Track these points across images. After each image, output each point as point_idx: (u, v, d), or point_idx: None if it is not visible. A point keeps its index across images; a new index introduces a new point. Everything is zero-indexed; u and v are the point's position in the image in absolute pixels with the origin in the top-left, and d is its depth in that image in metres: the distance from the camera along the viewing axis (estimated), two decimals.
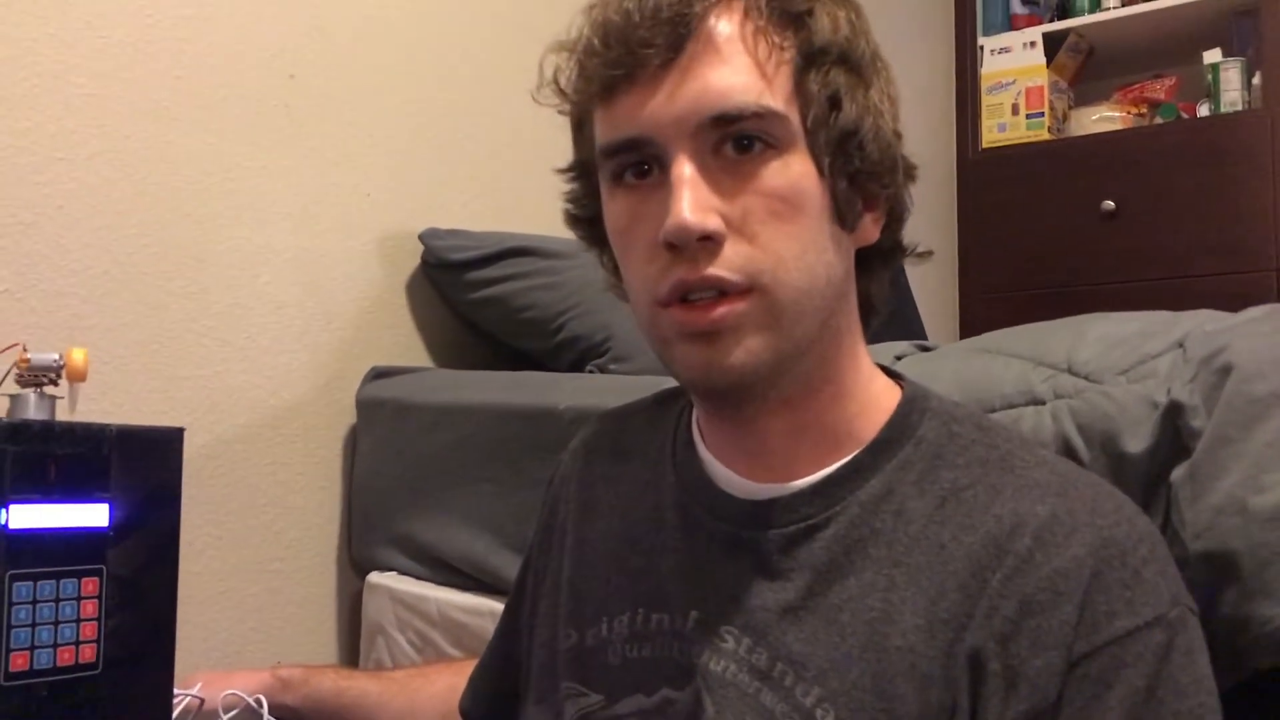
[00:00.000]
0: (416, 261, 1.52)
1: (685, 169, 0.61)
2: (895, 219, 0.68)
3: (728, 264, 0.61)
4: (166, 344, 1.25)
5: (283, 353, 1.37)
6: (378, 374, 1.42)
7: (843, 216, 0.64)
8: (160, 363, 1.24)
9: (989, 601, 0.58)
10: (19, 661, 0.74)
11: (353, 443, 1.41)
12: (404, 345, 1.52)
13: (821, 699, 0.60)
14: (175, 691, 0.86)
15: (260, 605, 1.33)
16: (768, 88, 0.61)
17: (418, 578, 1.26)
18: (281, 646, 1.34)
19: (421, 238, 1.49)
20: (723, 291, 0.61)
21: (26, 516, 0.75)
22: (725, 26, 0.62)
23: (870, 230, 0.66)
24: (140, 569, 0.80)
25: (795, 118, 0.62)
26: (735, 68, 0.61)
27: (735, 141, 0.61)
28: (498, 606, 1.13)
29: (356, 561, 1.37)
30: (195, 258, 1.28)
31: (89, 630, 0.77)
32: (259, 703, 0.97)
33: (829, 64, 0.63)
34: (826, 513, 0.64)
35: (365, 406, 1.39)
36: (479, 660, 0.87)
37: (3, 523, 0.74)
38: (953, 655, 0.59)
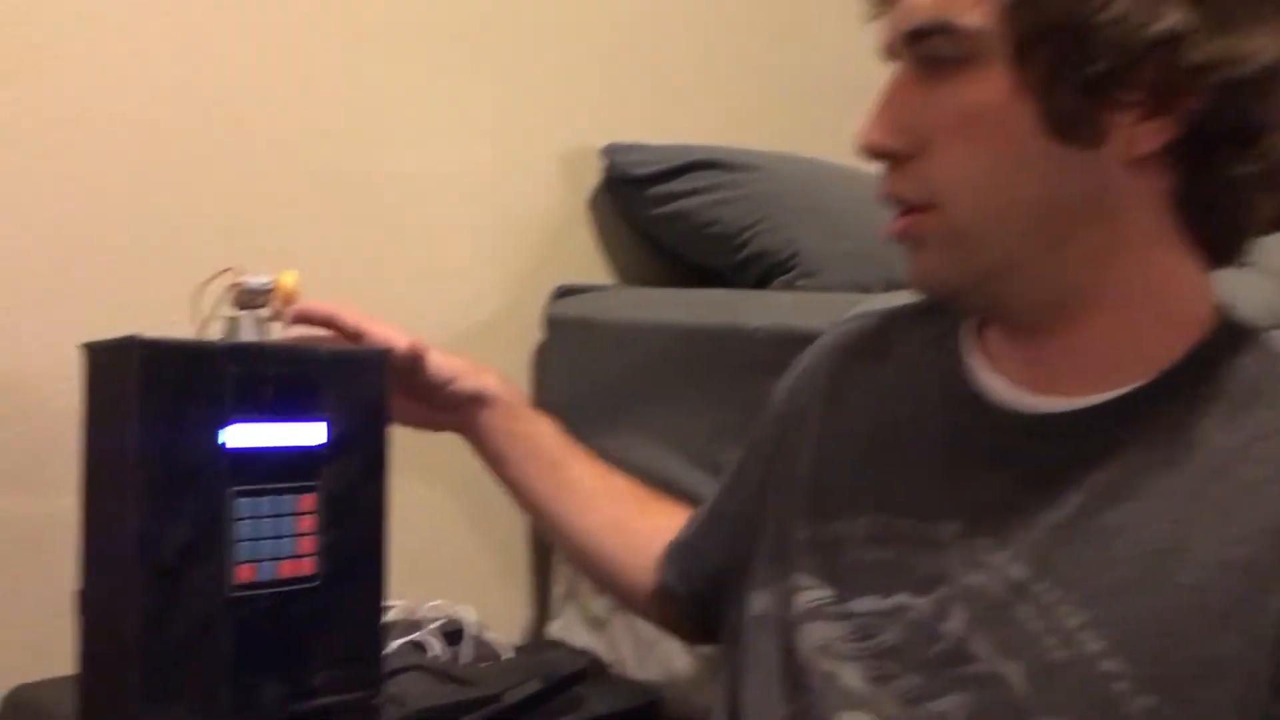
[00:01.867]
0: (599, 177, 1.50)
1: (887, 86, 0.63)
2: (1215, 113, 0.58)
3: (907, 181, 0.63)
4: (361, 266, 1.28)
5: (471, 272, 1.38)
6: (564, 292, 1.42)
7: (1066, 131, 0.58)
8: (356, 284, 1.26)
9: None
10: (244, 574, 0.77)
11: (541, 361, 1.42)
12: (588, 263, 1.51)
13: (1087, 624, 0.57)
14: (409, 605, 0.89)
15: (452, 523, 1.36)
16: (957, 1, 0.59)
17: None
18: (471, 565, 1.37)
19: (603, 152, 1.48)
20: (911, 206, 0.63)
21: (246, 435, 0.78)
22: None
23: (1145, 138, 0.58)
24: (353, 486, 0.82)
25: (997, 27, 0.58)
26: None
27: (923, 59, 0.61)
28: None
29: None
30: (388, 179, 1.30)
31: (307, 545, 0.80)
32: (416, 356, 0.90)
33: None
34: (1114, 432, 0.60)
35: (553, 325, 1.39)
36: (681, 537, 0.88)
37: (224, 441, 0.77)
38: (1257, 606, 0.54)
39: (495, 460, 0.96)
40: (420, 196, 1.33)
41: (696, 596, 0.85)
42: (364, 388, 0.83)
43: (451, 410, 0.94)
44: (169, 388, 0.74)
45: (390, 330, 0.90)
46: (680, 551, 0.87)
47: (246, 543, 0.77)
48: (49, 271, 1.05)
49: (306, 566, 0.80)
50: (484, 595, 1.31)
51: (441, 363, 0.91)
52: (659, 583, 0.88)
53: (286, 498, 0.79)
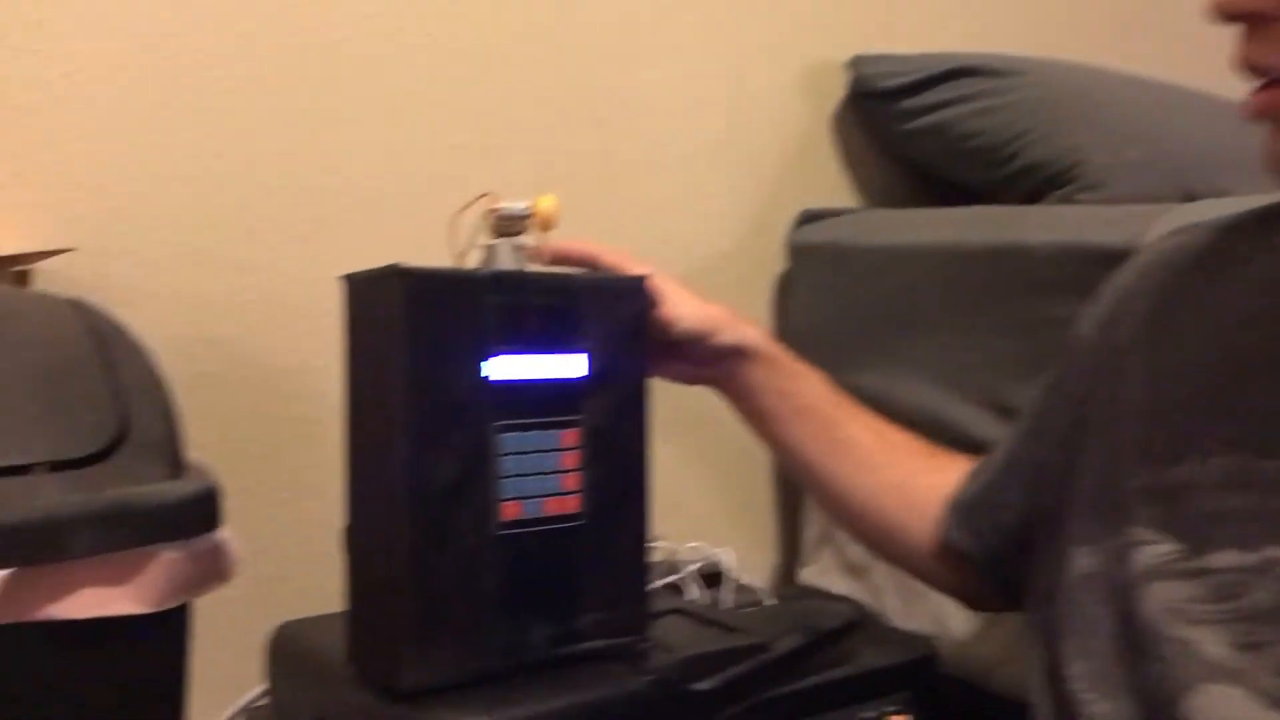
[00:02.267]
0: (844, 92, 1.39)
1: None
2: None
3: (1274, 46, 0.53)
4: (595, 193, 1.23)
5: (709, 198, 1.31)
6: (809, 217, 1.32)
7: None
8: (592, 210, 1.22)
9: None
10: (510, 511, 0.74)
11: (784, 291, 1.34)
12: (831, 185, 1.41)
13: None
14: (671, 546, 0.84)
15: (698, 458, 1.31)
16: None
17: None
18: (715, 502, 1.32)
19: (849, 65, 1.37)
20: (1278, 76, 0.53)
21: (509, 367, 0.74)
22: None
23: None
24: (614, 420, 0.77)
25: None
26: None
27: None
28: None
29: None
30: (621, 100, 1.24)
31: (571, 481, 0.75)
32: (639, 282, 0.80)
33: None
34: None
35: (798, 252, 1.31)
36: (969, 492, 0.79)
37: (487, 374, 0.73)
38: None
39: (759, 418, 0.88)
40: (654, 118, 1.26)
41: (992, 556, 0.76)
42: (624, 317, 0.78)
43: (709, 364, 0.87)
44: (432, 318, 0.71)
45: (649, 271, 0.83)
46: (970, 507, 0.78)
47: (511, 479, 0.73)
48: (306, 202, 1.04)
49: (571, 504, 0.75)
50: (728, 538, 1.26)
51: (700, 313, 0.84)
52: (945, 542, 0.79)
53: (550, 432, 0.75)
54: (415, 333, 0.70)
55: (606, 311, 0.76)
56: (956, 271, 1.08)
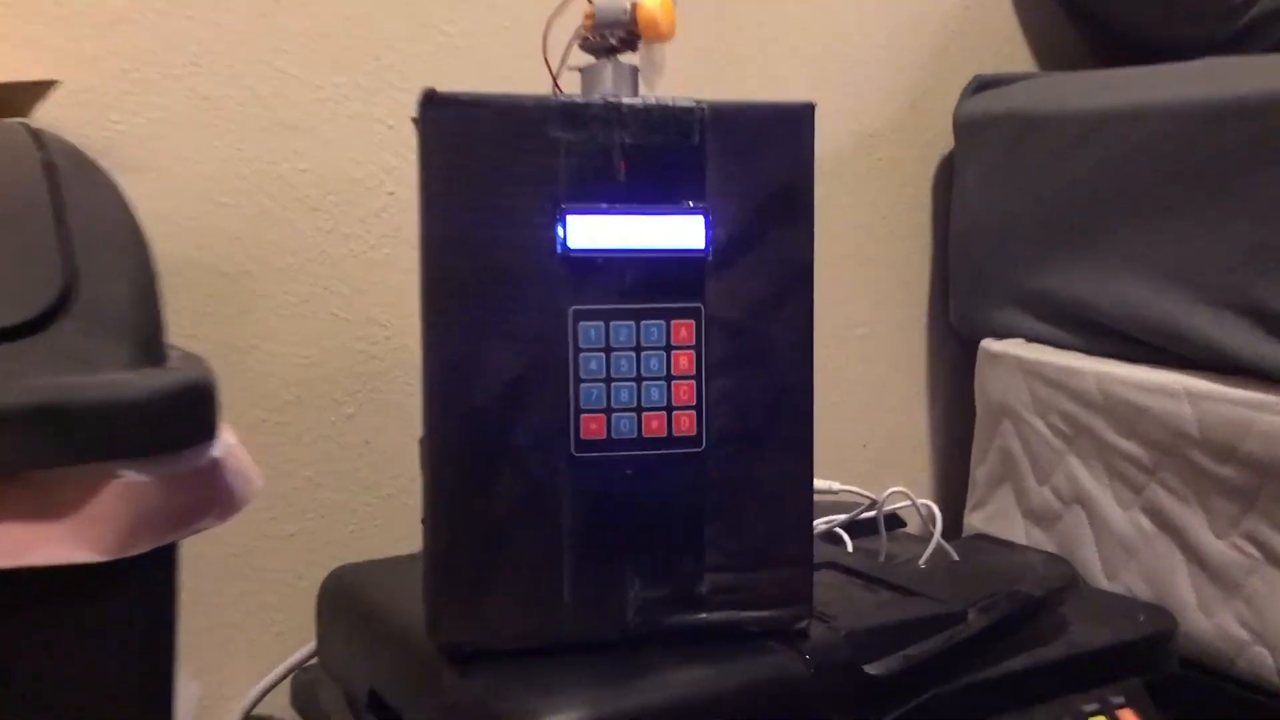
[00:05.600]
0: None
1: None
2: None
3: None
4: (730, 43, 1.01)
5: (864, 63, 1.09)
6: (983, 84, 1.09)
7: None
8: (727, 70, 1.01)
9: None
10: (592, 427, 0.54)
11: (947, 175, 1.11)
12: (1004, 49, 1.19)
13: None
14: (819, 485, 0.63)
15: (847, 374, 1.10)
16: None
17: (1058, 346, 0.94)
18: (869, 421, 1.12)
19: None
20: None
21: (591, 233, 0.53)
22: None
23: None
24: (759, 313, 0.56)
25: None
26: None
27: None
28: (1196, 384, 0.80)
29: (959, 325, 1.09)
30: None
31: (684, 392, 0.55)
32: None
33: None
34: None
35: (970, 126, 1.07)
36: None
37: (561, 238, 0.53)
38: None
39: None
40: None
41: None
42: (771, 162, 0.56)
43: None
44: (476, 162, 0.52)
45: None
46: None
47: (594, 384, 0.54)
48: (371, 45, 0.86)
49: (684, 423, 0.55)
50: (875, 475, 1.07)
51: None
52: None
53: (653, 324, 0.55)
54: (450, 181, 0.52)
55: (742, 155, 0.55)
56: (1190, 137, 0.83)
